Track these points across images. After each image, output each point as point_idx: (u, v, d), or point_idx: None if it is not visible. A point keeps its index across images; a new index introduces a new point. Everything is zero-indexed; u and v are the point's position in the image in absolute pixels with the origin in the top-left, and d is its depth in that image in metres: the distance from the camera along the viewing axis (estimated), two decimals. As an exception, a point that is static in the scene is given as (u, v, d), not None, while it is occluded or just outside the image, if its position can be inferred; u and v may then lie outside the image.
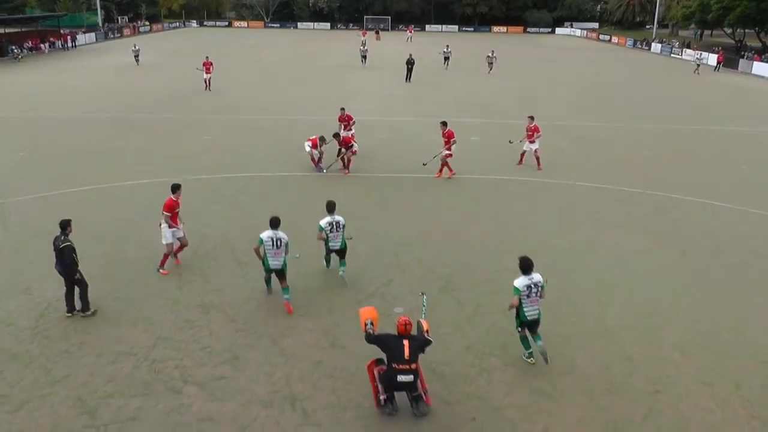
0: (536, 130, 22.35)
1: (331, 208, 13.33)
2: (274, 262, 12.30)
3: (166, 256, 13.96)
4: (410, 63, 44.18)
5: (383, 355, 9.70)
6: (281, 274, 12.42)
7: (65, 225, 11.93)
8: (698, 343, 11.74)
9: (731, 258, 15.52)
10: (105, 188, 19.71)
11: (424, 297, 10.84)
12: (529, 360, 10.99)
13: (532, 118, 22.53)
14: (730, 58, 63.53)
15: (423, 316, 10.46)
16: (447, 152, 21.15)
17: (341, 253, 13.53)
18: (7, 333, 11.54)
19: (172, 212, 13.68)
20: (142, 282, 13.49)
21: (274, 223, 12.37)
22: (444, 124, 21.33)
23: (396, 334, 9.63)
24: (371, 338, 9.74)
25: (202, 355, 11.03)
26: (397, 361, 9.43)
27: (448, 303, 12.99)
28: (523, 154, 23.06)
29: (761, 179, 22.61)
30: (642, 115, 34.39)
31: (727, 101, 41.79)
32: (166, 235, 13.78)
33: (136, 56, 53.45)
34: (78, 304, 12.08)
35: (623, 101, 39.48)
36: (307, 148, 22.05)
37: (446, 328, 11.95)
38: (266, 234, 12.22)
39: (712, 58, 64.22)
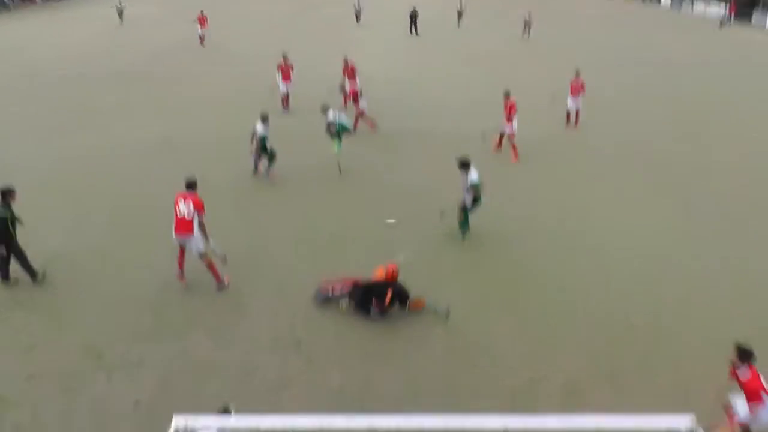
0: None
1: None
2: None
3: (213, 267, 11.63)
4: (414, 16, 43.22)
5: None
6: None
7: (5, 193, 11.08)
8: (696, 290, 11.89)
9: (732, 208, 15.61)
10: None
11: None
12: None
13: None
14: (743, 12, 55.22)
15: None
16: (510, 131, 18.48)
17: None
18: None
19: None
20: (147, 228, 13.54)
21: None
22: (507, 95, 18.49)
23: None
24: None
25: (205, 301, 11.18)
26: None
27: (451, 249, 13.15)
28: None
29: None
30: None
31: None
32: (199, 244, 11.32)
33: (120, 13, 46.86)
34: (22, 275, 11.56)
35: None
36: (281, 87, 22.33)
37: (446, 274, 12.17)
38: None
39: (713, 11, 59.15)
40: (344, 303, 11.01)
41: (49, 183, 16.18)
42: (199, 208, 11.08)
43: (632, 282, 12.12)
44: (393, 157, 18.68)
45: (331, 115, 17.21)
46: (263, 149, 16.31)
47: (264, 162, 16.64)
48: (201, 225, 11.09)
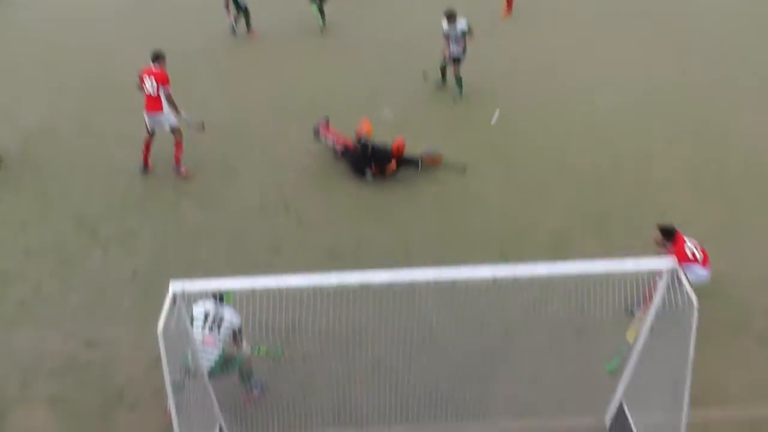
0: None
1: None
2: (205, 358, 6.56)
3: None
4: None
5: None
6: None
7: None
8: (686, 136, 11.93)
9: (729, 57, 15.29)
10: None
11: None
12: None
13: None
14: None
15: None
16: None
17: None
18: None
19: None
20: (126, 100, 12.88)
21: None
22: None
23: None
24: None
25: (193, 168, 11.12)
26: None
27: (438, 105, 13.01)
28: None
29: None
30: None
31: None
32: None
33: None
34: None
35: None
36: None
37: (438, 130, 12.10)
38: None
39: None
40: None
41: (21, 56, 15.54)
42: (162, 81, 10.43)
43: (620, 133, 12.12)
44: (375, 12, 17.97)
45: None
46: (236, 7, 15.65)
47: (241, 20, 15.98)
48: (169, 99, 10.52)
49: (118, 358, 7.79)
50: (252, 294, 6.23)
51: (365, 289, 5.23)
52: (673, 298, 5.63)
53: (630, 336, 7.48)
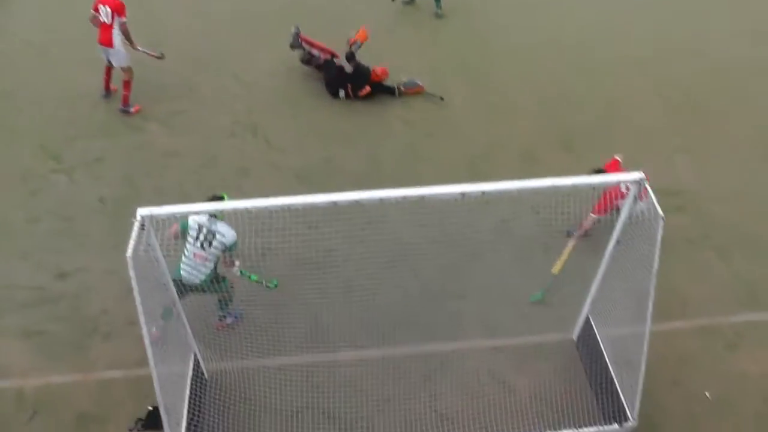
0: None
1: None
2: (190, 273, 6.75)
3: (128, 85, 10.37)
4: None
5: None
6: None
7: None
8: (656, 56, 11.87)
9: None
10: None
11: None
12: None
13: None
14: None
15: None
16: None
17: None
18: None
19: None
20: (81, 23, 12.27)
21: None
22: None
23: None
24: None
25: (157, 92, 10.81)
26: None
27: (411, 23, 12.77)
28: None
29: None
30: None
31: None
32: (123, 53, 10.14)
33: None
34: None
35: None
36: None
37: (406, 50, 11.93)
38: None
39: None
40: None
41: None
42: (117, 9, 9.72)
43: (590, 51, 12.04)
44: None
45: None
46: None
47: None
48: (124, 30, 9.85)
49: (89, 288, 7.78)
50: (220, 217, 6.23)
51: (335, 210, 5.22)
52: (639, 210, 5.74)
53: (556, 269, 7.67)
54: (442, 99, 10.75)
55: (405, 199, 5.01)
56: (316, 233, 6.95)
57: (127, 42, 10.01)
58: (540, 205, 6.56)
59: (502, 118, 10.42)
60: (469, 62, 11.67)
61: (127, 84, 10.20)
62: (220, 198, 6.73)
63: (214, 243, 6.59)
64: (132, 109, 10.38)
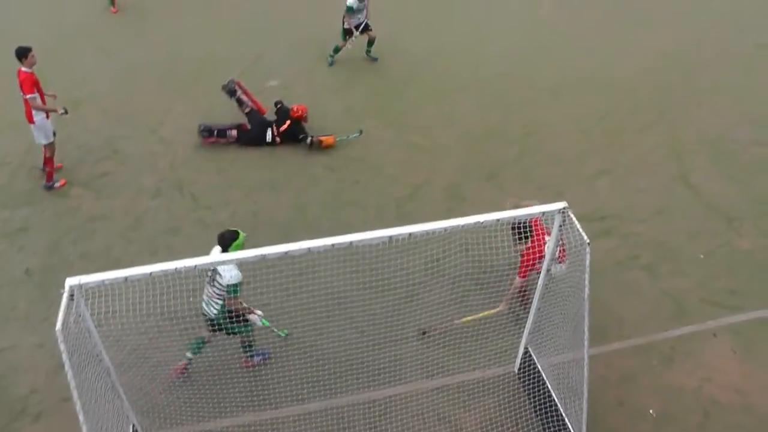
0: None
1: None
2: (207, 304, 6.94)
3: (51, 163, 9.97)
4: None
5: None
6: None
7: None
8: (569, 85, 12.29)
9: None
10: None
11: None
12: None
13: None
14: None
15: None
16: None
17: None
18: None
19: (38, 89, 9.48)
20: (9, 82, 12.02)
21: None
22: None
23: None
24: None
25: (80, 153, 10.61)
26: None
27: (322, 71, 12.89)
28: None
29: None
30: None
31: None
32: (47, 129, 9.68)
33: None
34: None
35: None
36: None
37: (324, 94, 12.05)
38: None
39: None
40: None
41: None
42: (24, 88, 9.22)
43: (507, 85, 12.35)
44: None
45: None
46: None
47: None
48: (33, 106, 9.28)
49: (17, 367, 7.45)
50: (151, 280, 6.09)
51: (264, 263, 5.17)
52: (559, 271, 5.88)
53: (464, 321, 7.71)
54: (361, 132, 10.84)
55: (334, 247, 5.03)
56: (247, 288, 6.86)
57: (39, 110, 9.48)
58: (469, 243, 6.66)
59: (426, 158, 10.58)
60: (388, 105, 11.85)
61: (48, 161, 9.87)
62: (235, 233, 6.67)
63: (216, 282, 6.63)
64: (57, 185, 10.04)
